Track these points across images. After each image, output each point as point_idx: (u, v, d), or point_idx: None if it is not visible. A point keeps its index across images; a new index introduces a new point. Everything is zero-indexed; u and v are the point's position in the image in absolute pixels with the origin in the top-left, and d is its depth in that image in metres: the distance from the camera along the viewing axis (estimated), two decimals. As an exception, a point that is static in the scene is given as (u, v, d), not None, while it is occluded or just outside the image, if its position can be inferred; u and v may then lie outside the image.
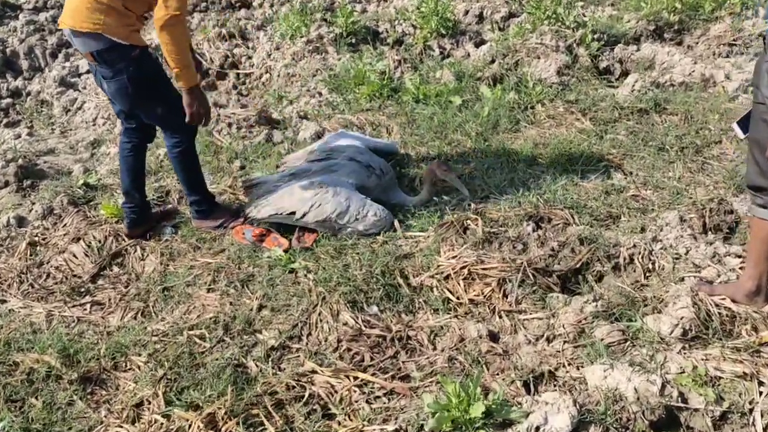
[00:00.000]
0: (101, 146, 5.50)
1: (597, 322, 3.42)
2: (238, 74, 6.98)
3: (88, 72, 6.91)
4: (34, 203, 4.75)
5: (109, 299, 3.89)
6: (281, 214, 4.22)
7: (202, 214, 4.39)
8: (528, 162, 5.02)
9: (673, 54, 6.45)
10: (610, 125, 5.53)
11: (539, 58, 6.41)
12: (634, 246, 4.02)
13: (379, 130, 5.52)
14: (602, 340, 3.33)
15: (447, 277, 3.80)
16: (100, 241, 4.29)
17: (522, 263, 3.78)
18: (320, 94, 6.04)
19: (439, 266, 3.89)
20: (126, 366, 3.40)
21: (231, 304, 3.76)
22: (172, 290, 3.92)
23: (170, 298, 3.86)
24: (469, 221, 4.28)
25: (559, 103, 5.85)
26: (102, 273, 4.11)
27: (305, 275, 3.91)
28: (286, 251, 4.06)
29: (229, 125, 5.35)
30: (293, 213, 4.20)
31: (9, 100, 6.49)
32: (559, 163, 4.98)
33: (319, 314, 3.61)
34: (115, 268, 4.14)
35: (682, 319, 3.32)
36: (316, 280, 3.85)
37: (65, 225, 4.52)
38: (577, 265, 3.96)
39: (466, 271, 3.78)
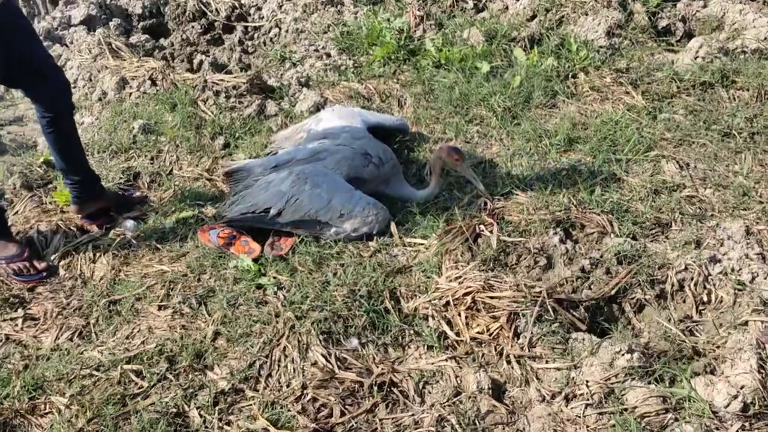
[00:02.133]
0: (75, 115, 4.83)
1: (631, 383, 2.66)
2: (246, 27, 6.21)
3: (82, 23, 6.23)
4: (-18, 185, 4.15)
5: (45, 313, 3.27)
6: (254, 212, 3.52)
7: (82, 200, 3.75)
8: (563, 148, 4.19)
9: (746, 12, 5.40)
10: (666, 101, 4.62)
11: (587, 14, 5.46)
12: (686, 269, 3.22)
13: (390, 102, 4.73)
14: (635, 408, 2.58)
15: (446, 305, 3.07)
16: (46, 237, 3.66)
17: (541, 293, 3.01)
18: (328, 55, 5.24)
19: (437, 288, 3.15)
20: (45, 408, 2.79)
21: (183, 327, 3.11)
22: (119, 305, 3.29)
23: (115, 316, 3.23)
24: (482, 226, 3.51)
25: (607, 71, 4.94)
26: (42, 276, 3.49)
27: (275, 293, 3.22)
28: (256, 260, 3.37)
29: (217, 93, 4.63)
30: (267, 210, 3.50)
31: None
32: (600, 150, 4.13)
33: (284, 349, 2.94)
34: (61, 271, 3.52)
35: (742, 388, 2.54)
36: (287, 302, 3.16)
37: (16, 213, 3.90)
38: (612, 291, 3.19)
39: (469, 299, 3.03)
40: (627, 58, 5.10)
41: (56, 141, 3.55)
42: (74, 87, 5.15)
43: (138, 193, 4.00)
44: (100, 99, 4.91)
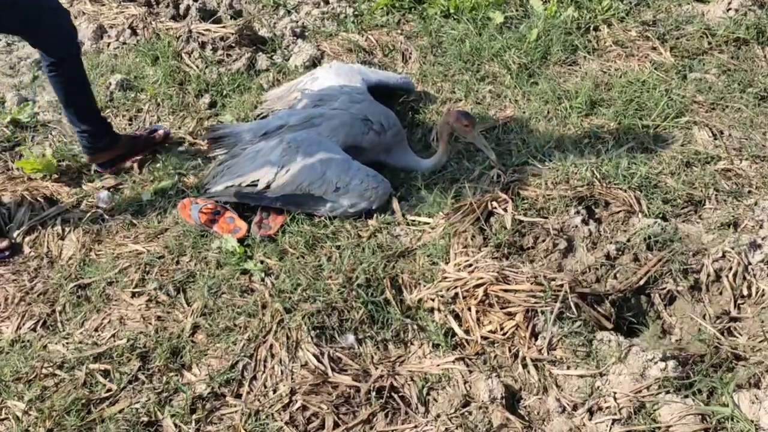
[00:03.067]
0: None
1: (665, 397, 2.33)
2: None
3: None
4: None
5: (6, 299, 2.93)
6: (240, 185, 3.15)
7: (94, 149, 3.45)
8: (584, 111, 3.77)
9: (787, -42, 4.89)
10: (697, 59, 4.18)
11: (610, -41, 4.94)
12: (723, 256, 2.86)
13: (393, 56, 4.28)
14: (670, 427, 2.26)
15: (455, 297, 2.72)
16: (9, 210, 3.29)
17: (563, 286, 2.66)
18: (326, 1, 4.76)
19: (445, 278, 2.80)
20: (0, 414, 2.48)
21: (158, 319, 2.77)
22: (89, 290, 2.94)
23: (84, 302, 2.89)
24: (495, 203, 3.14)
25: (631, 23, 4.48)
26: (4, 256, 3.14)
27: (262, 280, 2.88)
28: (241, 241, 3.01)
29: (203, 45, 4.18)
30: (255, 183, 3.13)
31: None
32: (625, 114, 3.72)
33: (271, 347, 2.60)
34: (26, 249, 3.17)
35: (796, 409, 2.21)
36: (275, 290, 2.82)
37: (-22, 179, 3.53)
38: (641, 282, 2.84)
39: (481, 292, 2.68)
40: (654, 9, 4.63)
41: (60, 87, 3.23)
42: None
43: (161, 131, 3.65)
44: (74, 49, 4.46)
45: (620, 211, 3.13)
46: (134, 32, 4.49)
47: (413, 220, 3.16)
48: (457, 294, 2.72)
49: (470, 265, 2.80)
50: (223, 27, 4.38)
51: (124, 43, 4.45)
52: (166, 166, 3.49)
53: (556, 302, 2.60)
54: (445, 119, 3.31)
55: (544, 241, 3.04)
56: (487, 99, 3.92)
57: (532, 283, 2.68)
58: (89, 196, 3.40)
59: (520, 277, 2.72)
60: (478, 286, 2.70)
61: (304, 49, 4.24)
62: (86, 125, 3.36)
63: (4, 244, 3.12)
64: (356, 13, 4.69)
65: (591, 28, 4.46)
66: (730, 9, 4.57)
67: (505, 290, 2.68)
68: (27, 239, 3.20)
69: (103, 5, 4.84)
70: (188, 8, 4.68)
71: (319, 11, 4.68)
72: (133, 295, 2.88)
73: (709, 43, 4.28)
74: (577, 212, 3.11)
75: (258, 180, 3.12)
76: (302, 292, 2.78)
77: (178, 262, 3.00)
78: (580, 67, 4.15)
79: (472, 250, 2.87)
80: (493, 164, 3.37)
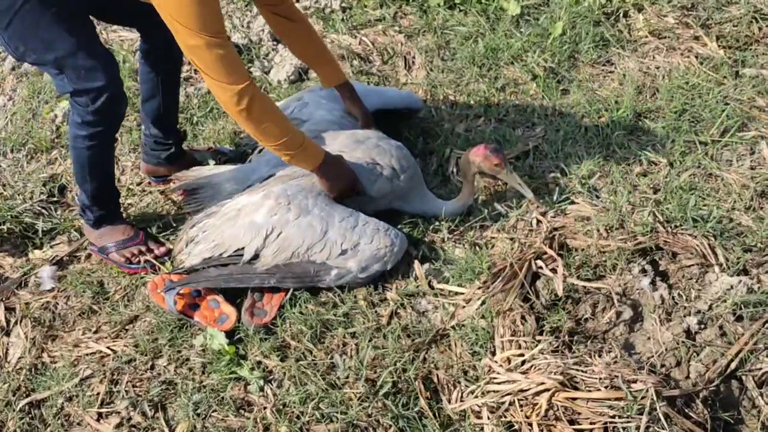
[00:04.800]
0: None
1: None
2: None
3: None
4: None
5: (-61, 426, 2.32)
6: (222, 255, 2.53)
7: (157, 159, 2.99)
8: (629, 126, 3.17)
9: None
10: (750, 50, 3.57)
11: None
12: (832, 328, 2.31)
13: (395, 62, 3.62)
14: None
15: (509, 408, 2.15)
16: (-62, 297, 2.65)
17: (648, 392, 2.09)
18: (307, -7, 4.06)
19: (493, 378, 2.22)
20: None
21: (133, 453, 2.18)
22: (43, 408, 2.33)
23: (37, 430, 2.28)
24: (540, 261, 2.55)
25: (667, 7, 3.85)
26: (-65, 363, 2.51)
27: (260, 389, 2.28)
28: (230, 335, 2.40)
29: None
30: (240, 251, 2.51)
31: None
32: (678, 129, 3.13)
33: (280, 497, 2.03)
34: (-39, 350, 2.54)
35: None
36: (279, 403, 2.22)
37: None
38: (731, 364, 2.29)
39: (543, 401, 2.11)
40: (690, -13, 3.99)
41: (148, 79, 2.78)
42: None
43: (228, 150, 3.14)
44: (13, 69, 3.73)
45: (692, 264, 2.57)
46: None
47: (441, 290, 2.56)
48: (512, 403, 2.15)
49: (524, 363, 2.22)
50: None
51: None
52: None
53: (641, 414, 2.04)
54: (470, 158, 2.68)
55: (604, 309, 2.47)
56: (510, 114, 3.29)
57: (607, 388, 2.12)
58: (37, 269, 2.75)
59: (591, 379, 2.15)
60: (539, 393, 2.13)
61: (287, 58, 3.56)
62: (161, 133, 2.88)
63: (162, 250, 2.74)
64: (344, 6, 3.99)
65: (621, 15, 3.82)
66: (775, -17, 3.95)
67: (574, 398, 2.11)
68: (-37, 336, 2.57)
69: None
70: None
71: (300, 6, 3.97)
72: (100, 416, 2.27)
73: (760, 29, 3.67)
74: (643, 271, 2.54)
75: (243, 248, 2.50)
76: (314, 407, 2.19)
77: (153, 367, 2.39)
78: (616, 67, 3.52)
79: (524, 340, 2.29)
80: (531, 203, 2.77)
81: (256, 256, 2.51)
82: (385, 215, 2.70)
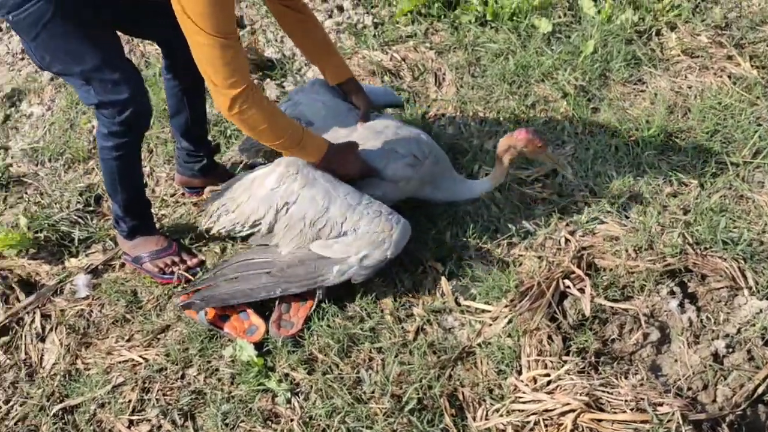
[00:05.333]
0: (22, 102, 3.76)
1: None
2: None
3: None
4: None
5: (-24, 429, 2.39)
6: (242, 225, 2.58)
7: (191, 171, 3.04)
8: (659, 146, 3.16)
9: None
10: (784, 71, 3.55)
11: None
12: None
13: (425, 79, 3.65)
14: None
15: (534, 429, 2.16)
16: (-23, 304, 2.73)
17: (674, 414, 2.09)
18: (340, 8, 4.11)
19: (518, 398, 2.23)
20: None
21: (163, 460, 2.22)
22: (76, 413, 2.38)
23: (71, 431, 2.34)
24: (567, 281, 2.56)
25: (700, 26, 3.84)
26: (-26, 366, 2.58)
27: (287, 401, 2.31)
28: (259, 347, 2.44)
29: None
30: (258, 223, 2.55)
31: None
32: (709, 149, 3.11)
33: None
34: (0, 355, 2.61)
35: None
36: (305, 416, 2.25)
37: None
38: (758, 389, 2.27)
39: (569, 422, 2.11)
40: (724, 7, 3.97)
41: (180, 106, 2.85)
42: (22, 59, 4.07)
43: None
44: (52, 79, 3.83)
45: (721, 287, 2.55)
46: (120, 56, 3.85)
47: (468, 307, 2.58)
48: (537, 423, 2.15)
49: (550, 383, 2.23)
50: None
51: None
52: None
53: (668, 439, 2.04)
54: (512, 143, 2.64)
55: (631, 330, 2.47)
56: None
57: (633, 410, 2.11)
58: (73, 277, 2.82)
59: (617, 401, 2.15)
60: (564, 413, 2.13)
61: (319, 73, 3.60)
62: (191, 145, 2.94)
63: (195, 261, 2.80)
64: (376, 21, 4.04)
65: (654, 33, 3.81)
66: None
67: (599, 420, 2.11)
68: (0, 341, 2.63)
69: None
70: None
71: (332, 22, 4.03)
72: (131, 424, 2.32)
73: (794, 49, 3.64)
74: (671, 293, 2.53)
75: (260, 220, 2.55)
76: (339, 421, 2.21)
77: (183, 376, 2.43)
78: (647, 86, 3.51)
79: (550, 360, 2.29)
80: (568, 177, 2.85)
81: (269, 229, 2.55)
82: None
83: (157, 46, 3.57)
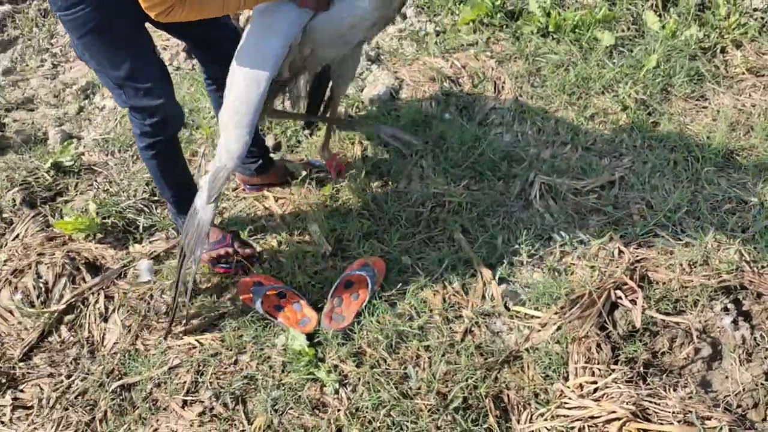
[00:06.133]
0: (95, 95, 3.95)
1: None
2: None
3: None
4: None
5: (40, 400, 2.51)
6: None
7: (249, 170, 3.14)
8: (719, 163, 3.14)
9: None
10: None
11: (736, -38, 4.22)
12: None
13: (484, 86, 3.68)
14: None
15: (579, 433, 2.17)
16: (45, 282, 2.86)
17: (722, 428, 2.07)
18: (403, 16, 4.19)
19: (564, 403, 2.24)
20: None
21: (213, 442, 2.30)
22: (133, 391, 2.49)
23: (127, 408, 2.44)
24: (619, 292, 2.56)
25: (766, 44, 3.78)
26: (41, 343, 2.71)
27: (335, 392, 2.37)
28: (311, 337, 2.51)
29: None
30: None
31: (8, 7, 4.95)
32: (770, 168, 3.07)
33: (349, 496, 2.10)
34: (63, 332, 2.73)
35: None
36: (352, 407, 2.31)
37: (15, 238, 3.11)
38: (814, 411, 2.23)
39: (614, 429, 2.12)
40: (793, 25, 3.91)
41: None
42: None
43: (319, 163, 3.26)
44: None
45: (777, 306, 2.52)
46: (189, 55, 4.01)
47: (517, 312, 2.60)
48: (582, 429, 2.16)
49: (597, 390, 2.23)
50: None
51: (178, 69, 3.97)
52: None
53: (714, 452, 2.03)
54: None
55: (682, 345, 2.45)
56: (598, 143, 3.30)
57: (680, 422, 2.10)
58: (136, 262, 2.94)
59: (665, 412, 2.14)
60: (609, 421, 2.14)
61: (380, 78, 3.69)
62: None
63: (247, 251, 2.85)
64: (438, 29, 4.10)
65: (718, 50, 3.77)
66: None
67: (645, 430, 2.11)
68: (66, 319, 2.76)
69: (157, 20, 4.36)
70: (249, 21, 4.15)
71: (395, 29, 4.11)
72: (185, 404, 2.41)
73: None
74: (725, 309, 2.50)
75: None
76: (385, 414, 2.26)
77: (236, 362, 2.51)
78: (710, 103, 3.48)
79: (597, 368, 2.30)
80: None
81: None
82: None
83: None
